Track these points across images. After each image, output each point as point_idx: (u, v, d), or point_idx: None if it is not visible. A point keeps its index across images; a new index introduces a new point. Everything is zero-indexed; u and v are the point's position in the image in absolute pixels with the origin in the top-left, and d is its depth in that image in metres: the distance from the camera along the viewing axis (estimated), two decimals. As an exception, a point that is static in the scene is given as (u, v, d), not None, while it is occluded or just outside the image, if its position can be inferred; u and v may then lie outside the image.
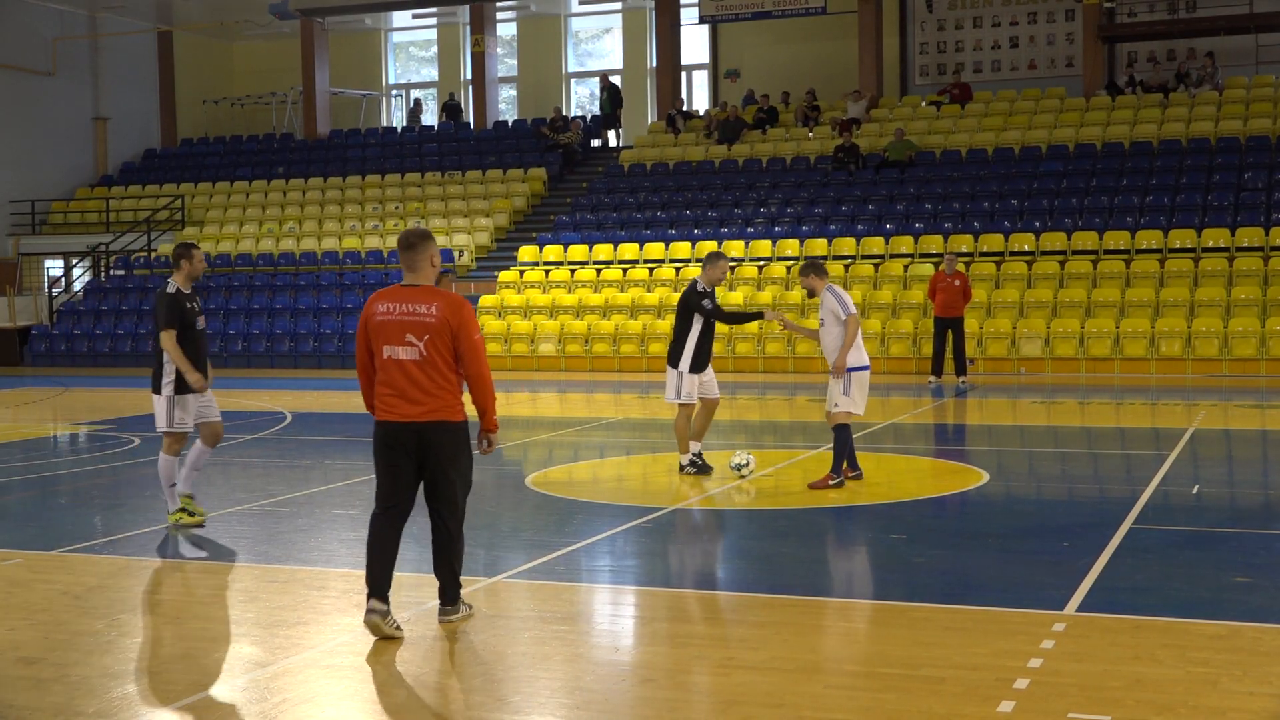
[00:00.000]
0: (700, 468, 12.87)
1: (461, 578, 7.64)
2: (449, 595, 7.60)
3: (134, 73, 39.31)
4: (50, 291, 34.16)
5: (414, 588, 8.59)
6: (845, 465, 12.16)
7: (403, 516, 7.52)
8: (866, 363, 12.13)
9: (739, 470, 12.52)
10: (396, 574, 7.42)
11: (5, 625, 7.84)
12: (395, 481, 7.43)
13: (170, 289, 10.50)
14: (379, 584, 7.32)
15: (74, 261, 35.71)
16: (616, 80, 39.47)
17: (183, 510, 10.65)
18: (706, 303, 12.67)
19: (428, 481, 7.46)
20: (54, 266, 36.48)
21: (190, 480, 10.77)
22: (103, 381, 26.45)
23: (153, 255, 33.76)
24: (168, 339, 10.37)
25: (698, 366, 12.73)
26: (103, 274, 34.75)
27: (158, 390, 10.59)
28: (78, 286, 35.15)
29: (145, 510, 11.61)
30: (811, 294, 12.36)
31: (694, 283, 12.81)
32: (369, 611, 7.28)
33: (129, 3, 36.70)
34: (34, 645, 7.39)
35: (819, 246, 27.95)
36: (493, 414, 7.53)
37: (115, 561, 9.57)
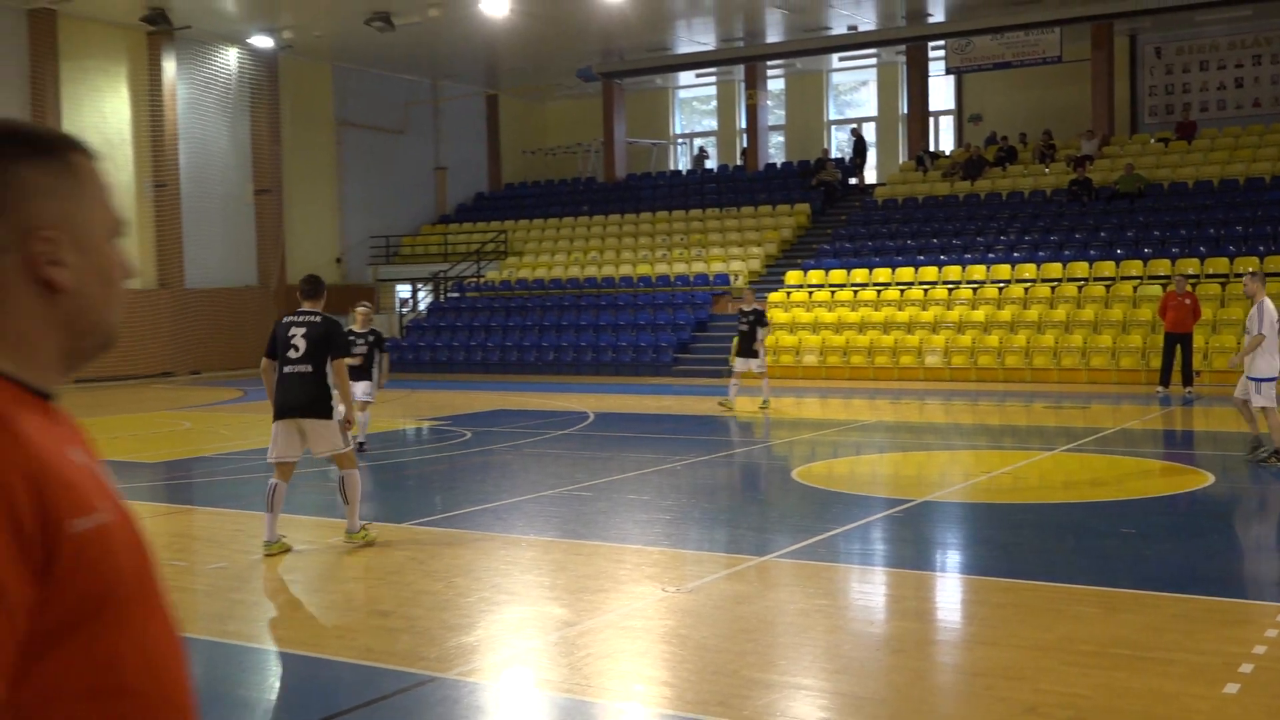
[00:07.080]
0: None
1: (733, 556, 7.59)
2: None
3: (467, 129, 40.90)
4: (400, 310, 35.76)
5: (696, 563, 8.65)
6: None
7: None
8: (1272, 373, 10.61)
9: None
10: (683, 551, 7.29)
11: (364, 584, 8.26)
12: None
13: (334, 318, 9.32)
14: None
15: (419, 286, 37.36)
16: (871, 127, 39.03)
17: (365, 528, 9.49)
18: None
19: None
20: (403, 290, 38.29)
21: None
22: (444, 385, 27.54)
23: (482, 280, 34.99)
24: (341, 367, 9.22)
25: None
26: (442, 296, 36.27)
27: (328, 415, 9.16)
28: (422, 306, 36.74)
29: (475, 492, 12.05)
30: (1251, 298, 12.14)
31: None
32: None
33: (463, 71, 38.23)
34: (387, 600, 7.74)
35: (1054, 270, 26.93)
36: None
37: (450, 533, 9.94)
